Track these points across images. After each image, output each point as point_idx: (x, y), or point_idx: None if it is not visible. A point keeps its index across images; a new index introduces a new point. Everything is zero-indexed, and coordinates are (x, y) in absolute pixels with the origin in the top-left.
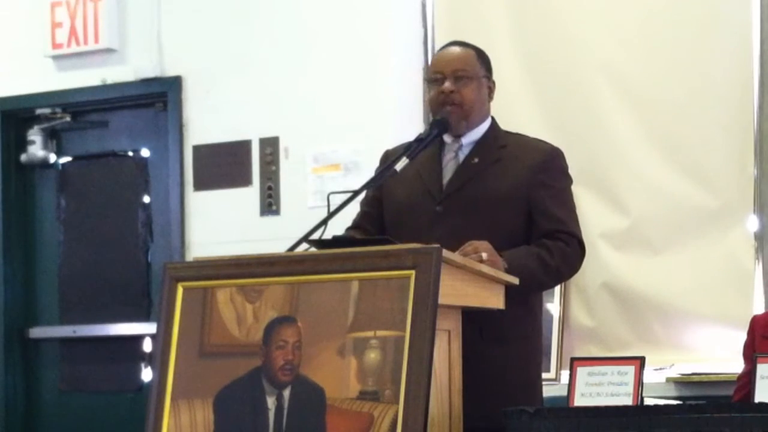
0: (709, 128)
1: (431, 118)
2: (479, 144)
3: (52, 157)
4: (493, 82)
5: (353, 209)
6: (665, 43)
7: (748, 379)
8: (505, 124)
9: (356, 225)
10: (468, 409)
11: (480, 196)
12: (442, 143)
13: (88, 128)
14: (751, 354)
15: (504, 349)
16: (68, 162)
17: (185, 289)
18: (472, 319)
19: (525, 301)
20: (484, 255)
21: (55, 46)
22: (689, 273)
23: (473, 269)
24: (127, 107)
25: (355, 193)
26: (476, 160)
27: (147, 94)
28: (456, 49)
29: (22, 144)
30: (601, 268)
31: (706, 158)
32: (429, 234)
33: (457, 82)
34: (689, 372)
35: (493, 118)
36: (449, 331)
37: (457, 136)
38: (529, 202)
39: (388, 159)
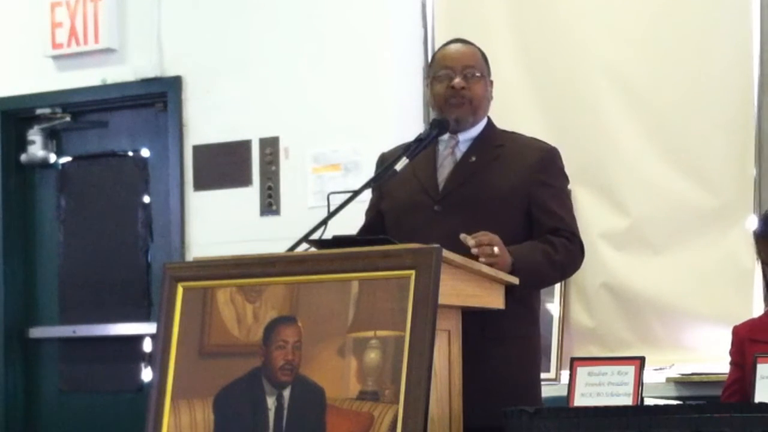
0: (709, 128)
1: (432, 117)
2: (476, 142)
3: (52, 157)
4: (491, 82)
5: (353, 209)
6: (665, 43)
7: (737, 386)
8: (504, 124)
9: (362, 235)
10: (470, 408)
11: (479, 195)
12: (437, 140)
13: (88, 128)
14: (738, 360)
15: (505, 348)
16: (68, 162)
17: (185, 289)
18: (474, 318)
19: (525, 301)
20: (496, 249)
21: (55, 46)
22: (689, 273)
23: (473, 269)
24: (127, 107)
25: (355, 193)
26: (474, 158)
27: (147, 94)
28: (463, 46)
29: (22, 144)
30: (601, 268)
31: (706, 158)
32: (428, 233)
33: (467, 78)
34: (689, 372)
35: (488, 117)
36: (449, 331)
37: (455, 133)
38: (529, 200)
39: (385, 162)
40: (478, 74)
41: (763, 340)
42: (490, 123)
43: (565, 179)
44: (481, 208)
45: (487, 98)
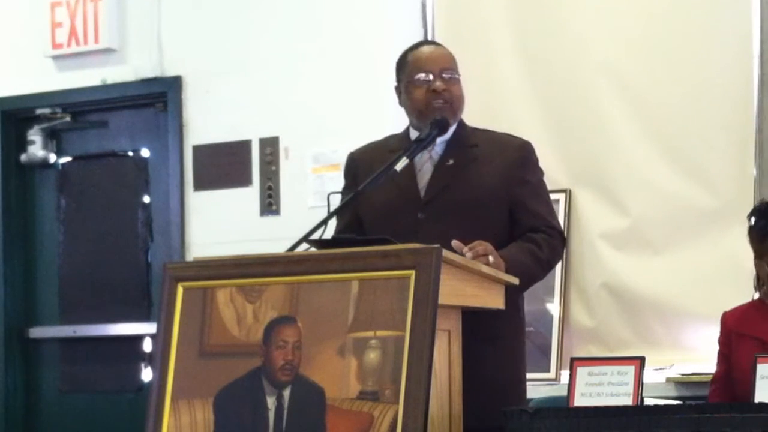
0: (709, 128)
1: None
2: (451, 144)
3: (52, 157)
4: None
5: None
6: (665, 43)
7: (722, 384)
8: (504, 124)
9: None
10: (465, 407)
11: (461, 199)
12: (410, 143)
13: (88, 128)
14: (725, 351)
15: (495, 347)
16: (68, 162)
17: (185, 289)
18: (464, 318)
19: (511, 298)
20: (491, 258)
21: (55, 46)
22: (689, 273)
23: (473, 269)
24: (127, 107)
25: (356, 194)
26: (451, 161)
27: (147, 94)
28: (437, 48)
29: (22, 144)
30: (601, 268)
31: (706, 158)
32: (412, 240)
33: (446, 80)
34: (689, 372)
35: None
36: (449, 331)
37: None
38: (510, 199)
39: (355, 161)
40: (456, 75)
41: (750, 335)
42: (461, 122)
43: (541, 172)
44: (465, 213)
45: (464, 98)
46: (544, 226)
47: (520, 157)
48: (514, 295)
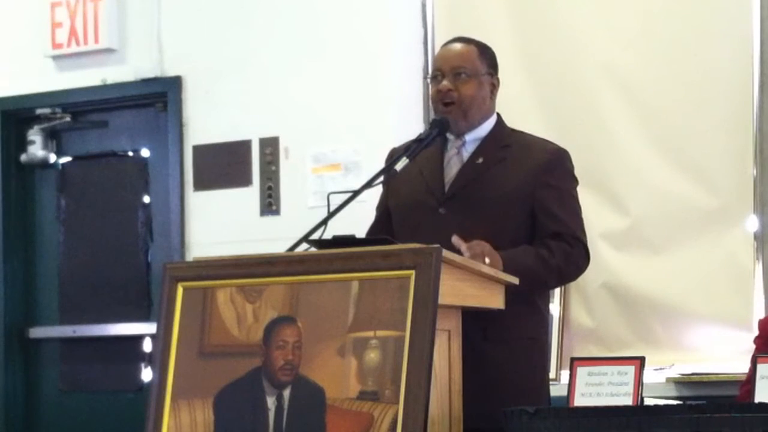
0: (709, 128)
1: (432, 117)
2: (483, 143)
3: (52, 157)
4: (498, 80)
5: (353, 209)
6: (665, 43)
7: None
8: None
9: (372, 232)
10: (472, 409)
11: (484, 197)
12: (445, 140)
13: (88, 128)
14: None
15: (508, 350)
16: (68, 162)
17: (185, 289)
18: (476, 319)
19: (530, 301)
20: (487, 260)
21: (55, 46)
22: (689, 273)
23: (473, 269)
24: (127, 107)
25: (355, 193)
26: (481, 159)
27: (147, 94)
28: (457, 45)
29: (22, 144)
30: (601, 268)
31: (706, 158)
32: (432, 234)
33: (455, 79)
34: (689, 372)
35: (499, 116)
36: (449, 331)
37: (459, 134)
38: (533, 202)
39: (391, 157)
40: (466, 75)
41: None
42: (499, 122)
43: (573, 181)
44: (486, 211)
45: (482, 98)
46: (567, 235)
47: (549, 161)
48: (520, 296)
